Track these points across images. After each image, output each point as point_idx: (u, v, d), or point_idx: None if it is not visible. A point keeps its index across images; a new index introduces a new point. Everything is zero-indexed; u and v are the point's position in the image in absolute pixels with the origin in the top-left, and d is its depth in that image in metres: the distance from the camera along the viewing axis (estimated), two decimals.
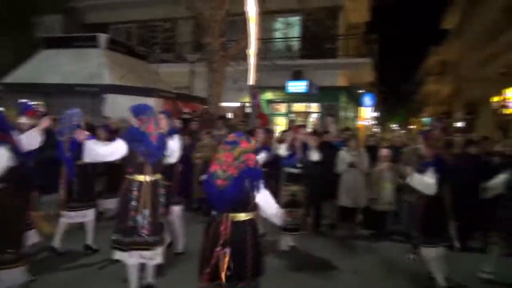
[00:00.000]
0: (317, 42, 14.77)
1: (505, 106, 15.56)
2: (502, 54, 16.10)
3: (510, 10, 14.61)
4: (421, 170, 4.14)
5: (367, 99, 18.89)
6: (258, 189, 2.80)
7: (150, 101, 9.27)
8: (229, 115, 10.89)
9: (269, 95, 15.35)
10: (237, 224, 2.75)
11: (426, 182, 4.06)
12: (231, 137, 2.84)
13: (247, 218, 2.79)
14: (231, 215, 2.75)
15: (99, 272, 4.32)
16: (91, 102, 9.19)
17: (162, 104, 9.82)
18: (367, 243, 5.83)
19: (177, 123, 8.34)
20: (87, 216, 4.80)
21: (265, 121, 11.37)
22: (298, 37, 15.56)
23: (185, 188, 6.29)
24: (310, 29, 14.03)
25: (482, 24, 19.18)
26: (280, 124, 15.16)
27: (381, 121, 37.67)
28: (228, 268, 2.66)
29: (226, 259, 2.66)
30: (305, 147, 5.14)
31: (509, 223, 4.24)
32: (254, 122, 8.51)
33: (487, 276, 4.40)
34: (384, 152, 6.03)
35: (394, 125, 38.96)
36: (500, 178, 4.41)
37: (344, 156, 6.13)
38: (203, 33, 10.34)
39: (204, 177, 2.81)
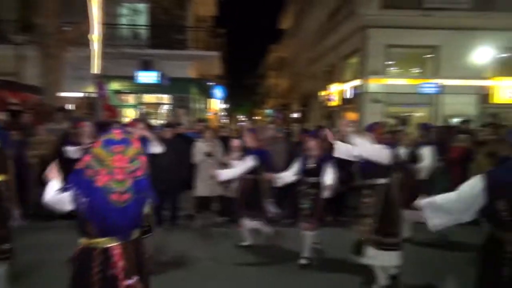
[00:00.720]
0: (166, 32, 14.50)
1: (329, 99, 18.36)
2: (327, 54, 18.87)
3: (333, 15, 17.15)
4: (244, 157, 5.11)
5: (218, 91, 19.60)
6: (149, 199, 2.27)
7: None
8: (70, 107, 9.80)
9: (116, 85, 14.35)
10: (135, 244, 2.22)
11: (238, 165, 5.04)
12: (117, 133, 2.15)
13: (138, 235, 2.27)
14: (127, 236, 2.17)
15: None
16: None
17: None
18: (223, 229, 6.13)
19: (2, 116, 7.12)
20: None
21: (113, 113, 10.67)
22: (146, 25, 14.96)
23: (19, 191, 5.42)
24: (158, 18, 13.66)
25: (312, 27, 22.03)
26: (129, 116, 14.40)
27: (229, 112, 39.60)
28: None
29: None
30: (144, 141, 4.98)
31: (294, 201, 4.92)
32: (101, 114, 7.89)
33: (316, 246, 4.91)
34: (235, 142, 6.39)
35: (241, 116, 41.37)
36: (294, 167, 4.92)
37: (200, 146, 6.27)
38: (32, 12, 8.97)
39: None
